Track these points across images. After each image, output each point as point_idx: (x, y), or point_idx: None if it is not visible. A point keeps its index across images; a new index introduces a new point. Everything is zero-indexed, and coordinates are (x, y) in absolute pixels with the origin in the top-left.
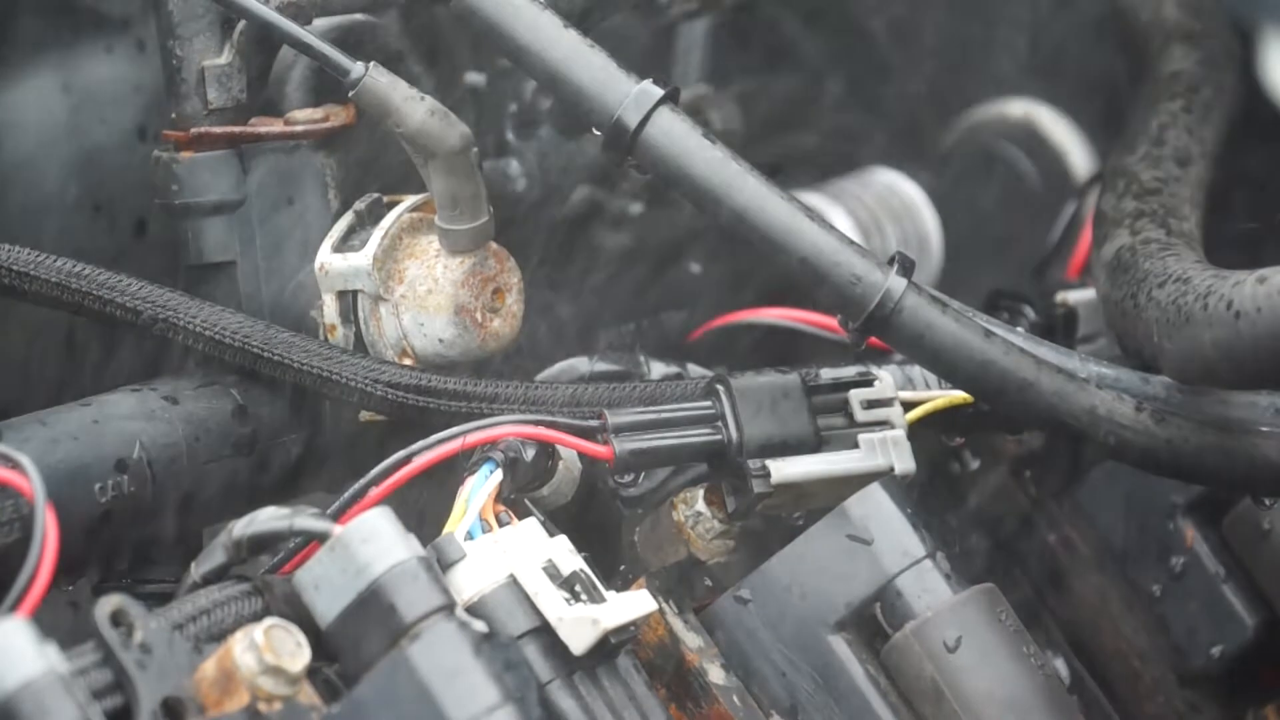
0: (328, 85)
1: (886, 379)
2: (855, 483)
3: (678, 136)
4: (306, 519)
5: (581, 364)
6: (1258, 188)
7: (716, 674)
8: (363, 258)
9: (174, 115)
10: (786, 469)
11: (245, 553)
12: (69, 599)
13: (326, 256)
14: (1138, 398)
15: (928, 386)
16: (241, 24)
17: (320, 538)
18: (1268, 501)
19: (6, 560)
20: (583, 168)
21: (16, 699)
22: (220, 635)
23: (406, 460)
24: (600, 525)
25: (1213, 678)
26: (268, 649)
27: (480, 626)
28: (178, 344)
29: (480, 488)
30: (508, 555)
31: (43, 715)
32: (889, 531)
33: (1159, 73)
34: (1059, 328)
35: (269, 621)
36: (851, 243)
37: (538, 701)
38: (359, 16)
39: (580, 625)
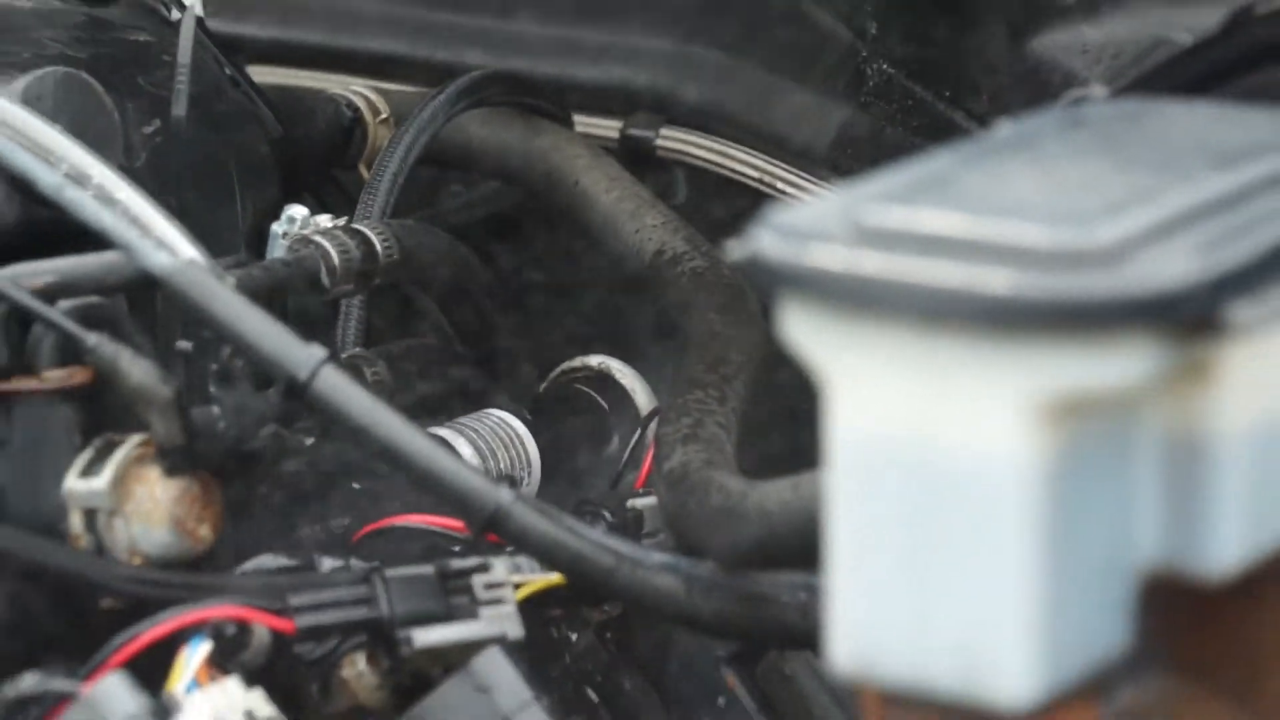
0: (71, 351)
1: (500, 567)
2: (478, 647)
3: (339, 388)
4: (58, 681)
5: (269, 560)
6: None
7: None
8: (100, 483)
9: None
10: (426, 636)
11: (14, 710)
12: None
13: (72, 483)
14: (691, 579)
15: (532, 571)
16: (3, 306)
17: (70, 697)
18: (787, 653)
19: None
20: (269, 412)
21: None
22: None
23: (137, 636)
24: (286, 682)
25: None
26: None
27: None
28: None
29: (194, 654)
30: (216, 706)
31: None
32: (505, 682)
33: (694, 333)
34: (630, 527)
35: None
36: (471, 465)
37: None
38: (94, 299)
39: None
